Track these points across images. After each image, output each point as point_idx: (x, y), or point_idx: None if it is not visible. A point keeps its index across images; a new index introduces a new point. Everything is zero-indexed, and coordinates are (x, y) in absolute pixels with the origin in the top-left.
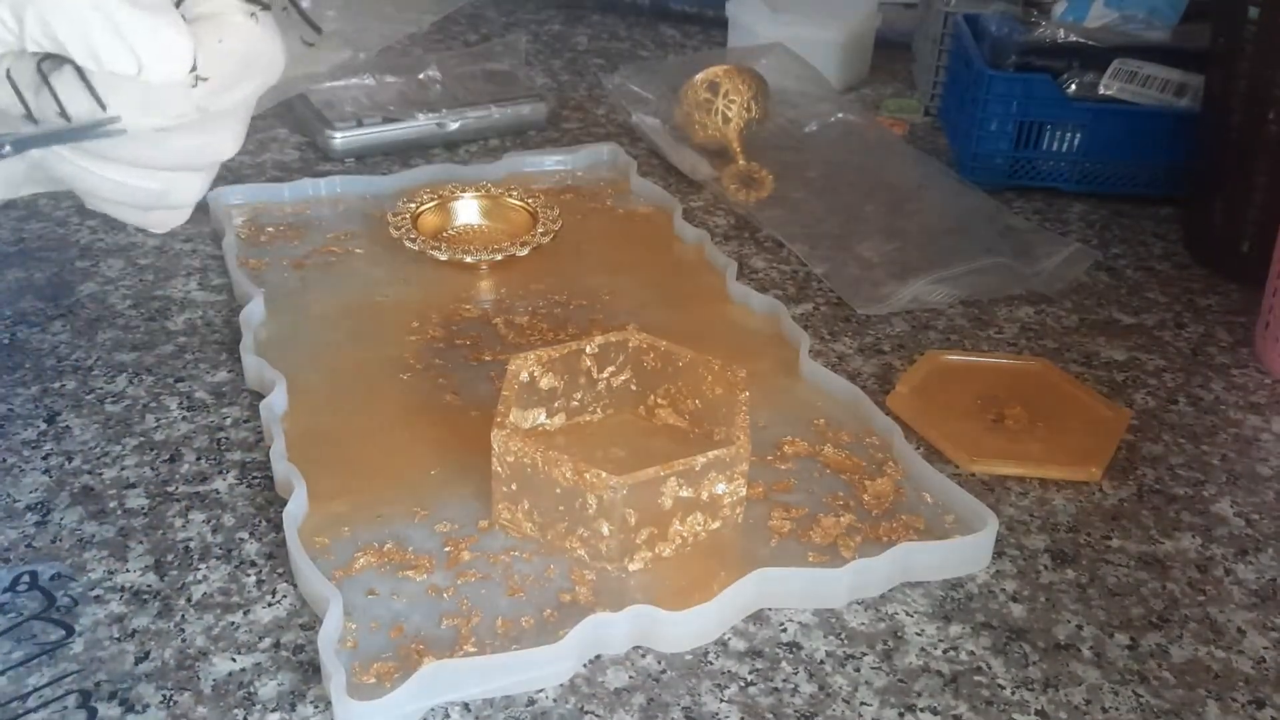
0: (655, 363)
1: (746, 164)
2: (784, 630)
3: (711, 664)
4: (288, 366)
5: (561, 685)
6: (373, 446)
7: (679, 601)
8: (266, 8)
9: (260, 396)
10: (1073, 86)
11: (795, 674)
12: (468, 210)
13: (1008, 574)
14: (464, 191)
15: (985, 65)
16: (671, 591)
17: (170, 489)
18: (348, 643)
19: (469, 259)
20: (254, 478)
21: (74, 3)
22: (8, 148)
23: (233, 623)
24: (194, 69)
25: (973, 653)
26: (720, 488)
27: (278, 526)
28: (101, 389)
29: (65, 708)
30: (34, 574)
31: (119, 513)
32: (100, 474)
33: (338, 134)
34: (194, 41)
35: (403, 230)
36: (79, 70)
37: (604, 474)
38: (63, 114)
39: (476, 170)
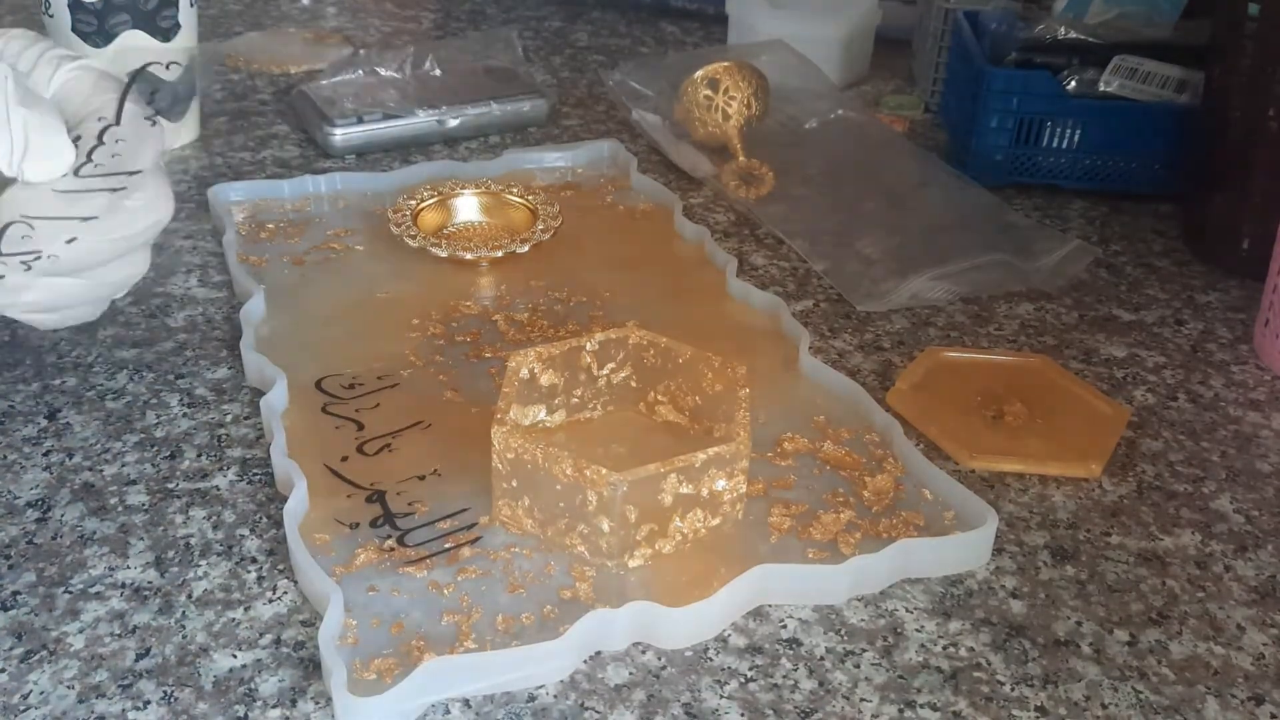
0: (655, 359)
1: (747, 161)
2: (784, 626)
3: (711, 660)
4: (288, 363)
5: (562, 681)
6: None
7: (679, 598)
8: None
9: (260, 393)
10: (1073, 83)
11: (795, 670)
12: (468, 207)
13: (1007, 570)
14: (464, 188)
15: (985, 62)
16: (672, 588)
17: (171, 485)
18: (348, 639)
19: (469, 256)
20: (254, 474)
21: None
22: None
23: (233, 619)
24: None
25: (972, 649)
26: (720, 484)
27: (278, 523)
28: (102, 386)
29: (66, 705)
30: None
31: (119, 509)
32: (101, 470)
33: (338, 130)
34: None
35: (403, 227)
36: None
37: (604, 470)
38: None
39: (477, 167)
